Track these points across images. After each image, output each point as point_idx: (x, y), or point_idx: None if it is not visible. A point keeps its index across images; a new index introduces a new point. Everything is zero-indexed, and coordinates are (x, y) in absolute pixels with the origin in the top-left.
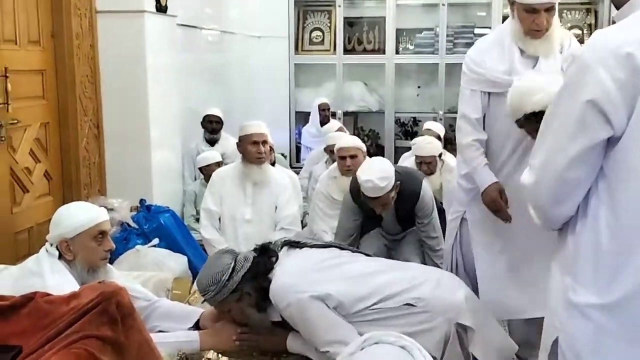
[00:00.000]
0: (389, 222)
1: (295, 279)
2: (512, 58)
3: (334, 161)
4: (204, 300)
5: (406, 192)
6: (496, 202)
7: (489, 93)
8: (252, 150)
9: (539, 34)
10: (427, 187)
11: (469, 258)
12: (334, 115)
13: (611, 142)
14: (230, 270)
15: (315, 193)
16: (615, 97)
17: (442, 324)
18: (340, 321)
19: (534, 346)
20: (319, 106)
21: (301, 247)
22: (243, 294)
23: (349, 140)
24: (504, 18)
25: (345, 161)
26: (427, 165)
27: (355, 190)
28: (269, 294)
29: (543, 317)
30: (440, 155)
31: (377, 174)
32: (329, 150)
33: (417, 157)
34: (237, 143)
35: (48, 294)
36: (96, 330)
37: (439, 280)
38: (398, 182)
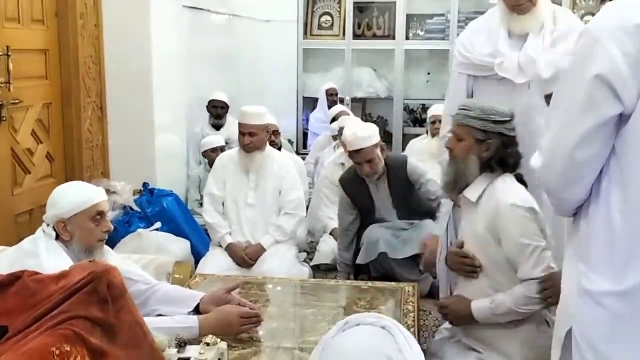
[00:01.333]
0: (384, 205)
1: None
2: (496, 40)
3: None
4: None
5: (394, 163)
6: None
7: (474, 77)
8: (240, 138)
9: (523, 8)
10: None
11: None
12: (342, 101)
13: (622, 120)
14: None
15: (320, 179)
16: (625, 71)
17: None
18: None
19: None
20: (327, 91)
21: None
22: None
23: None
24: None
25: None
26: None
27: (344, 178)
28: None
29: None
30: None
31: (360, 127)
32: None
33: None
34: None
35: (37, 273)
36: (85, 311)
37: None
38: (384, 143)
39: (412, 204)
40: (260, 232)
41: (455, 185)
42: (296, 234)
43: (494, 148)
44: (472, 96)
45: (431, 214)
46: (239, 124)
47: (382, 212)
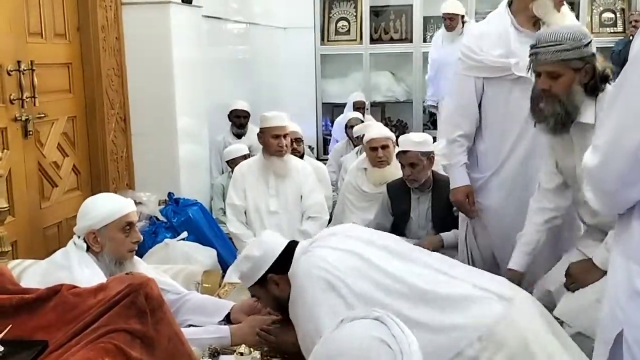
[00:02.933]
0: (421, 220)
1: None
2: (508, 40)
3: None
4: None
5: (442, 181)
6: (462, 204)
7: (484, 79)
8: (273, 143)
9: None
10: None
11: (483, 247)
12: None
13: None
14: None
15: (345, 185)
16: None
17: None
18: None
19: None
20: (354, 104)
21: None
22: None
23: (378, 131)
24: None
25: (377, 152)
26: None
27: (391, 183)
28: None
29: None
30: None
31: (416, 133)
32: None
33: None
34: (258, 134)
35: (75, 286)
36: (124, 324)
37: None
38: (433, 154)
39: (449, 225)
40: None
41: (569, 119)
42: None
43: (592, 69)
44: (481, 101)
45: None
46: (272, 127)
47: (415, 226)
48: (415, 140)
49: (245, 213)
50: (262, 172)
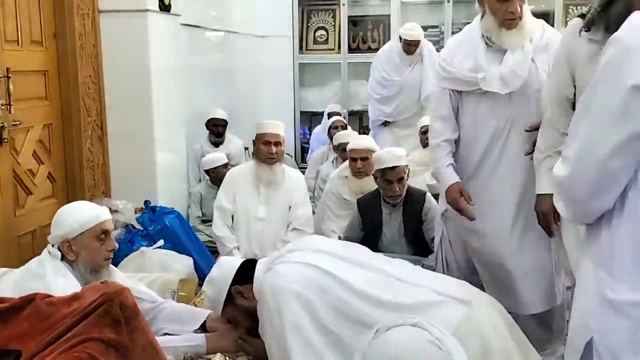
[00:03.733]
0: (393, 235)
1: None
2: (476, 54)
3: (343, 160)
4: None
5: (414, 194)
6: (457, 202)
7: (459, 92)
8: (263, 149)
9: (515, 23)
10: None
11: (458, 252)
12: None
13: None
14: None
15: (325, 193)
16: None
17: None
18: None
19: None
20: (329, 115)
21: None
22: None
23: (361, 142)
24: None
25: (356, 163)
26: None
27: (362, 198)
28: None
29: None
30: None
31: (394, 148)
32: (341, 149)
33: (422, 127)
34: (253, 140)
35: (49, 296)
36: (99, 333)
37: None
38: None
39: (423, 238)
40: (268, 246)
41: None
42: None
43: None
44: (458, 112)
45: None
46: (263, 134)
47: (388, 241)
48: (398, 154)
49: (232, 217)
50: (254, 178)
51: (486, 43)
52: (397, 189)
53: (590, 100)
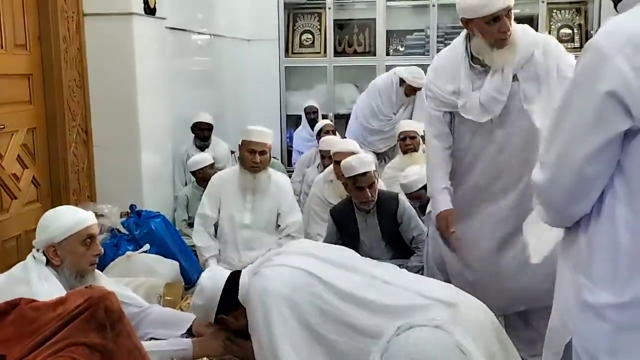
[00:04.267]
0: (372, 240)
1: None
2: (458, 78)
3: (325, 166)
4: None
5: (386, 198)
6: (444, 231)
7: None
8: (248, 157)
9: (507, 41)
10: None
11: (437, 251)
12: (325, 117)
13: (629, 135)
14: None
15: (310, 196)
16: (636, 87)
17: None
18: None
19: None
20: (305, 109)
21: None
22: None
23: (345, 145)
24: None
25: (340, 166)
26: (411, 140)
27: (335, 208)
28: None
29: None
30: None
31: (361, 154)
32: (325, 156)
33: (400, 134)
34: (239, 145)
35: (34, 300)
36: (84, 337)
37: None
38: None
39: (401, 240)
40: (254, 252)
41: None
42: None
43: None
44: (452, 129)
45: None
46: (249, 142)
47: (368, 248)
48: (367, 160)
49: (216, 224)
50: (240, 184)
51: (470, 64)
52: (370, 194)
53: (566, 106)
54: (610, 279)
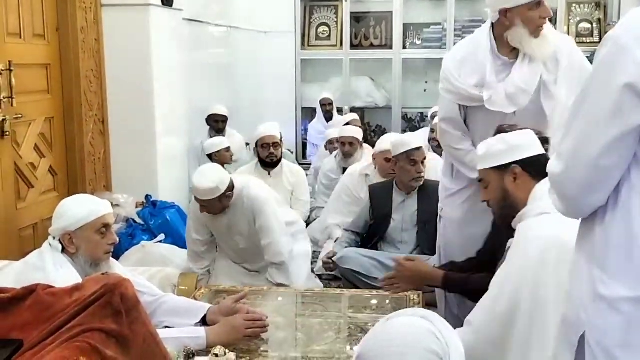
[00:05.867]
0: (404, 223)
1: None
2: (484, 70)
3: (344, 153)
4: None
5: (430, 184)
6: None
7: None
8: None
9: (543, 29)
10: None
11: (447, 254)
12: (340, 111)
13: None
14: None
15: (342, 186)
16: None
17: None
18: None
19: None
20: (320, 102)
21: None
22: None
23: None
24: None
25: (388, 163)
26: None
27: (375, 184)
28: None
29: None
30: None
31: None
32: (345, 142)
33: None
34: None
35: (50, 286)
36: (100, 323)
37: None
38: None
39: (433, 231)
40: (254, 257)
41: None
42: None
43: None
44: (465, 120)
45: None
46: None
47: (399, 229)
48: (418, 136)
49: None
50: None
51: (496, 55)
52: (421, 170)
53: (584, 97)
54: (625, 272)
